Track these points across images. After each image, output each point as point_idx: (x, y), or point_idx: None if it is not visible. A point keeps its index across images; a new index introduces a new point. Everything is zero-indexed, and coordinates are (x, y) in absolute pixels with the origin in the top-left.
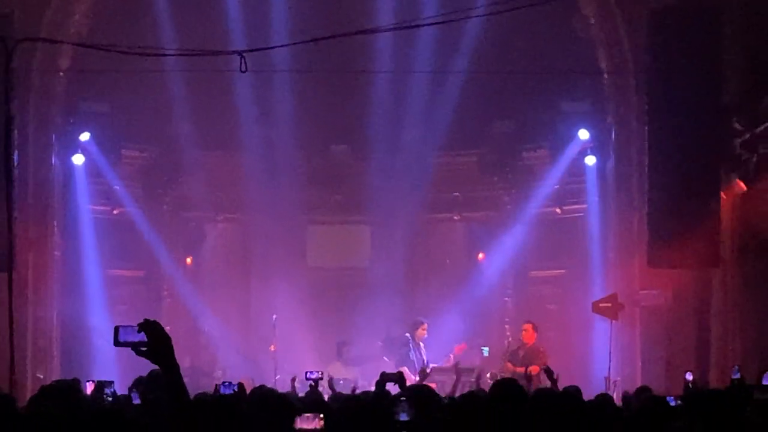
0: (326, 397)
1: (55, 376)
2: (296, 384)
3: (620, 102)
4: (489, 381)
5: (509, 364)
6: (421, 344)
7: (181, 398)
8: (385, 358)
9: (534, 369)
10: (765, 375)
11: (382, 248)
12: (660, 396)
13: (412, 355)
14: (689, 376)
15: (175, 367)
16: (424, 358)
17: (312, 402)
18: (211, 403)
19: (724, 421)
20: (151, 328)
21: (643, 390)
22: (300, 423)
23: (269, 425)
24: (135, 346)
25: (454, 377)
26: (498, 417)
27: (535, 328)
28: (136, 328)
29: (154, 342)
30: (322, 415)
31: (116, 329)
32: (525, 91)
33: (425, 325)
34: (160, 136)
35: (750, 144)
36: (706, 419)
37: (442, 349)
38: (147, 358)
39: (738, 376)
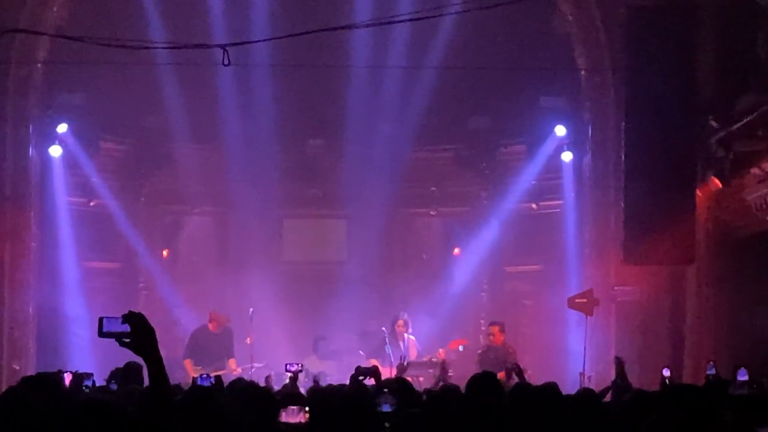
0: (302, 390)
1: (31, 367)
2: (272, 383)
3: (597, 99)
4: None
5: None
6: (408, 338)
7: (164, 390)
8: (360, 352)
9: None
10: (739, 371)
11: (358, 243)
12: (643, 390)
13: (388, 349)
14: (666, 372)
15: (158, 359)
16: (406, 352)
17: (291, 394)
18: (189, 394)
19: (701, 416)
20: (135, 319)
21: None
22: (285, 416)
23: (249, 418)
24: (119, 337)
25: (438, 372)
26: (477, 410)
27: (501, 330)
28: (121, 319)
29: (138, 334)
30: (306, 408)
31: (101, 320)
32: (502, 87)
33: (400, 322)
34: (137, 128)
35: (726, 142)
36: (683, 413)
37: (419, 343)
38: (130, 349)
39: (713, 371)
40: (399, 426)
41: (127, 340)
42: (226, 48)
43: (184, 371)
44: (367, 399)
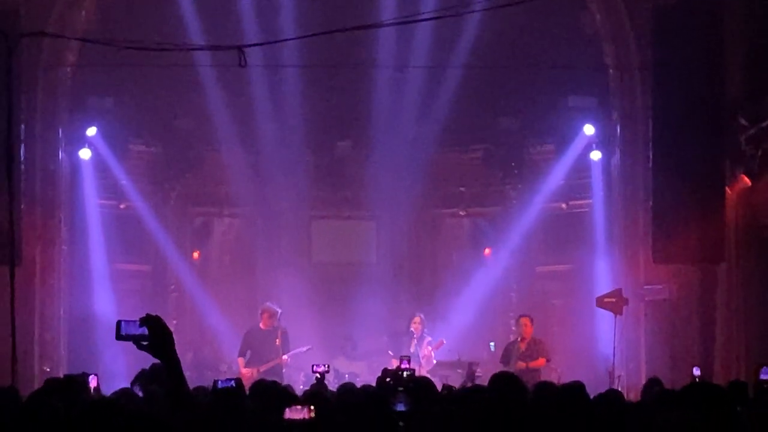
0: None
1: (62, 369)
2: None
3: (625, 97)
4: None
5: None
6: (425, 337)
7: (182, 392)
8: (389, 352)
9: (541, 362)
10: (763, 369)
11: (387, 244)
12: (670, 390)
13: (414, 348)
14: (697, 371)
15: (176, 360)
16: (417, 350)
17: (312, 394)
18: (210, 397)
19: (720, 416)
20: (152, 322)
21: (654, 383)
22: (289, 413)
23: (270, 418)
24: (136, 340)
25: (464, 372)
26: (499, 410)
27: (531, 321)
28: (138, 322)
29: (156, 336)
30: (312, 406)
31: (118, 323)
32: (531, 87)
33: (417, 319)
34: (167, 130)
35: (755, 139)
36: (705, 412)
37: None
38: (148, 351)
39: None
40: (413, 425)
41: (145, 343)
42: (243, 49)
43: (215, 372)
44: (383, 397)
